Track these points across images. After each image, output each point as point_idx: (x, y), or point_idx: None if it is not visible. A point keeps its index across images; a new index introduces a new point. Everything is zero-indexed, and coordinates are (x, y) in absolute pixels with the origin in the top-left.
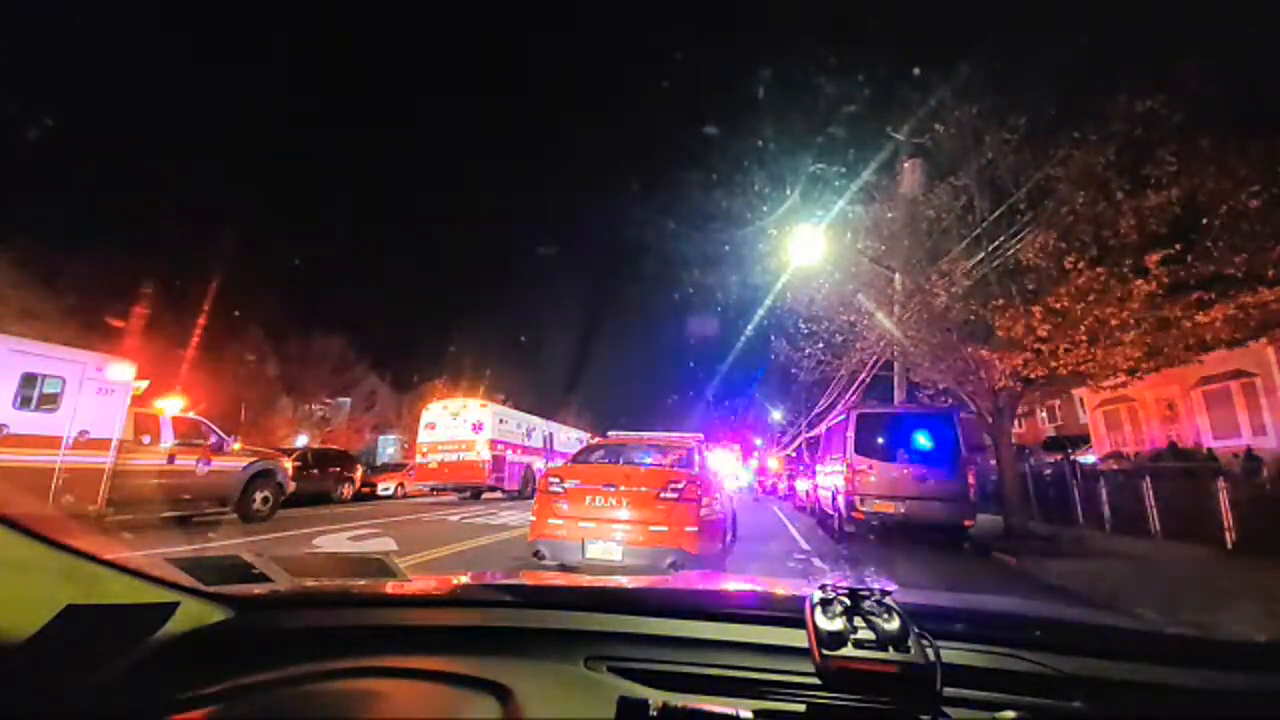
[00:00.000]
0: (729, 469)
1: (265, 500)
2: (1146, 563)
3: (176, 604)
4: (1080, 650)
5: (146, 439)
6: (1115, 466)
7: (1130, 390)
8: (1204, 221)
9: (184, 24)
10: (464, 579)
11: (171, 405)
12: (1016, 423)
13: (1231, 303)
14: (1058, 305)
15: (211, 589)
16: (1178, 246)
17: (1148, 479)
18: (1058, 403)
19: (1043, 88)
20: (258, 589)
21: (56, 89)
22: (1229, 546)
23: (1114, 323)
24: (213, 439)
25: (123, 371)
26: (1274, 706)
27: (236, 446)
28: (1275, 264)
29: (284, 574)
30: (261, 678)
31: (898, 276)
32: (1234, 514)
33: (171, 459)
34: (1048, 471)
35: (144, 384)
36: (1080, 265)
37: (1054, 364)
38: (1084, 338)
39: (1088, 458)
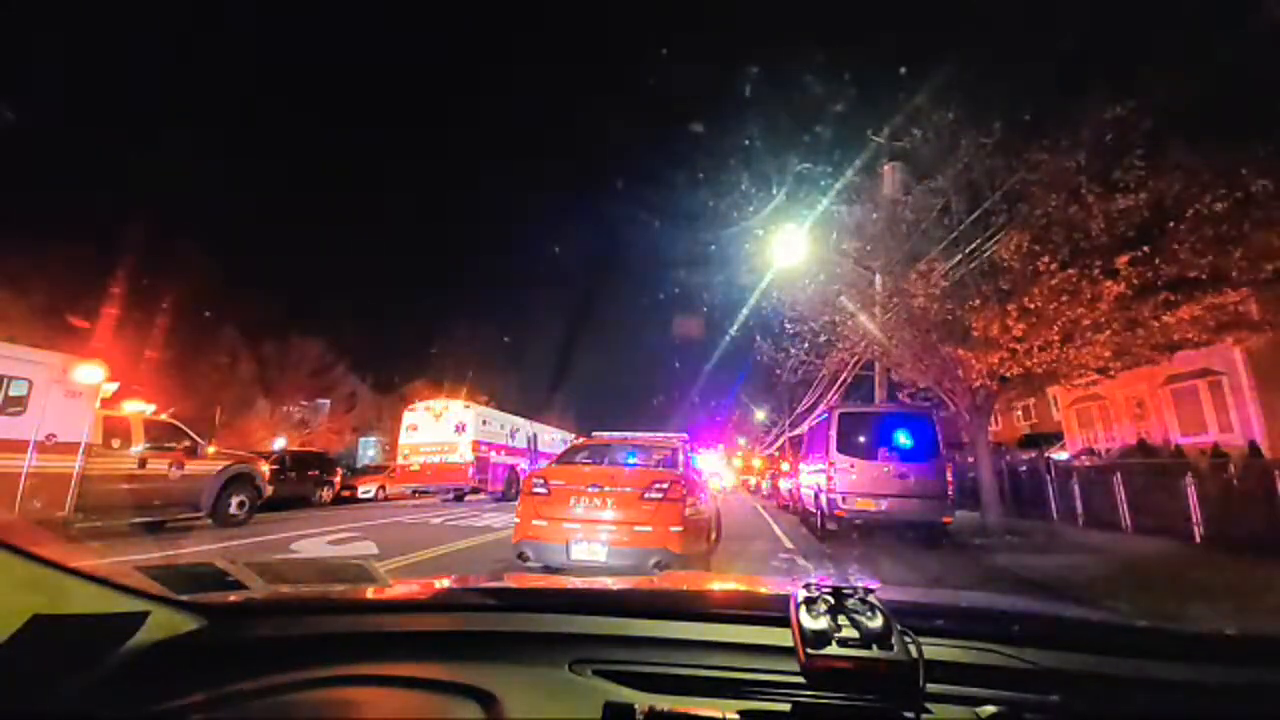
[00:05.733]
0: (713, 469)
1: (241, 504)
2: (1118, 557)
3: (147, 613)
4: (1058, 644)
5: (116, 442)
6: (1087, 463)
7: (1101, 388)
8: (1170, 225)
9: (161, 17)
10: (446, 583)
11: (143, 408)
12: (993, 420)
13: (1197, 304)
14: (1032, 305)
15: (184, 597)
16: (1145, 249)
17: (1118, 475)
18: (1032, 401)
19: (1016, 93)
20: (232, 596)
21: (26, 83)
22: (1197, 540)
23: (1085, 323)
24: (186, 442)
25: (91, 373)
26: (1245, 699)
27: (211, 450)
28: (1239, 266)
29: (259, 580)
30: (236, 688)
31: (878, 277)
32: (1202, 509)
33: (143, 463)
34: (1023, 468)
35: (114, 386)
36: (1053, 266)
37: (1028, 363)
38: (1057, 337)
39: (1061, 454)
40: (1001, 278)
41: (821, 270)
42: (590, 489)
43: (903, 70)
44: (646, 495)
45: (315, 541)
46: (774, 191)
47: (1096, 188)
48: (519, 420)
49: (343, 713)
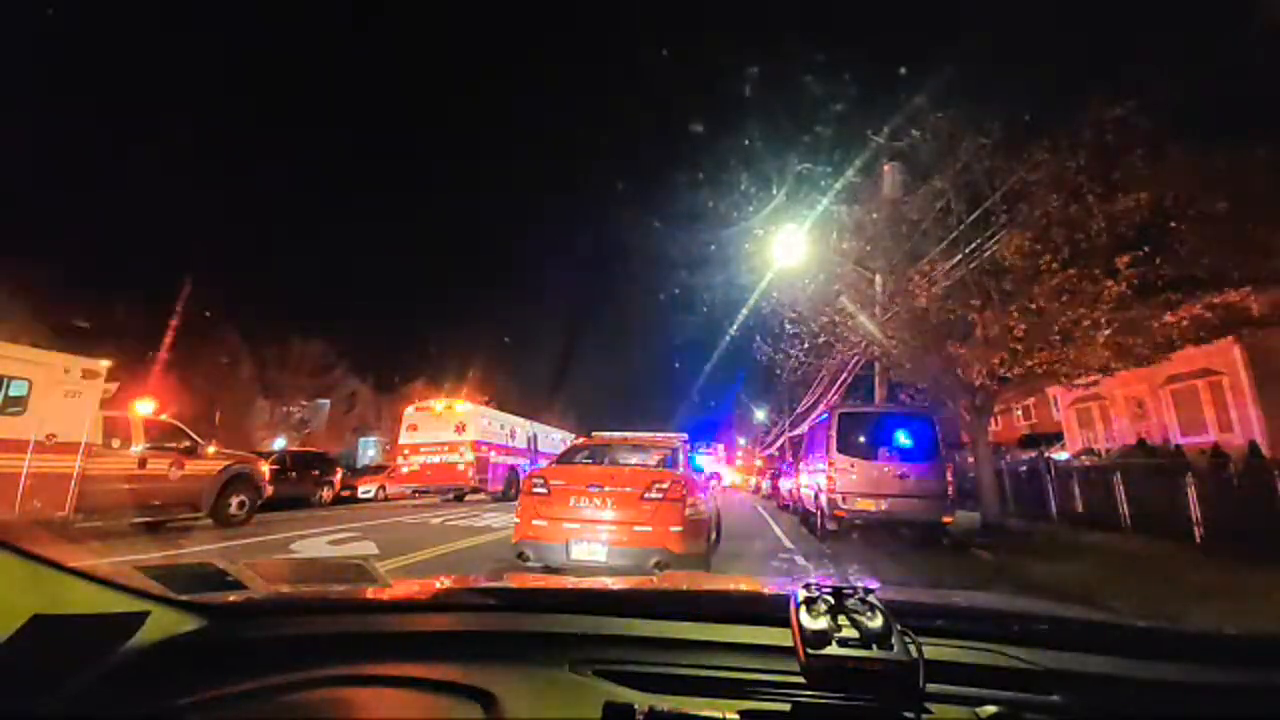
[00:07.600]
0: (713, 469)
1: (241, 505)
2: (1118, 557)
3: (147, 613)
4: (1058, 645)
5: (116, 442)
6: (1087, 463)
7: (1101, 388)
8: (1171, 225)
9: (164, 17)
10: (446, 583)
11: (143, 408)
12: (993, 420)
13: (1198, 303)
14: (1033, 305)
15: (183, 597)
16: (1146, 249)
17: (1118, 475)
18: (1032, 401)
19: (1016, 93)
20: (232, 596)
21: (25, 82)
22: (1197, 541)
23: (1086, 322)
24: (186, 442)
25: (92, 373)
26: (1245, 699)
27: (211, 450)
28: (1240, 265)
29: (259, 580)
30: (236, 688)
31: (879, 278)
32: (1202, 509)
33: (143, 463)
34: (1023, 468)
35: (114, 386)
36: (1054, 266)
37: (1029, 362)
38: (1058, 337)
39: (1061, 454)
40: (1003, 278)
41: (821, 270)
42: (590, 489)
43: (903, 70)
44: (646, 495)
45: (315, 541)
46: (774, 191)
47: (1097, 188)
48: (519, 420)
49: (343, 713)
